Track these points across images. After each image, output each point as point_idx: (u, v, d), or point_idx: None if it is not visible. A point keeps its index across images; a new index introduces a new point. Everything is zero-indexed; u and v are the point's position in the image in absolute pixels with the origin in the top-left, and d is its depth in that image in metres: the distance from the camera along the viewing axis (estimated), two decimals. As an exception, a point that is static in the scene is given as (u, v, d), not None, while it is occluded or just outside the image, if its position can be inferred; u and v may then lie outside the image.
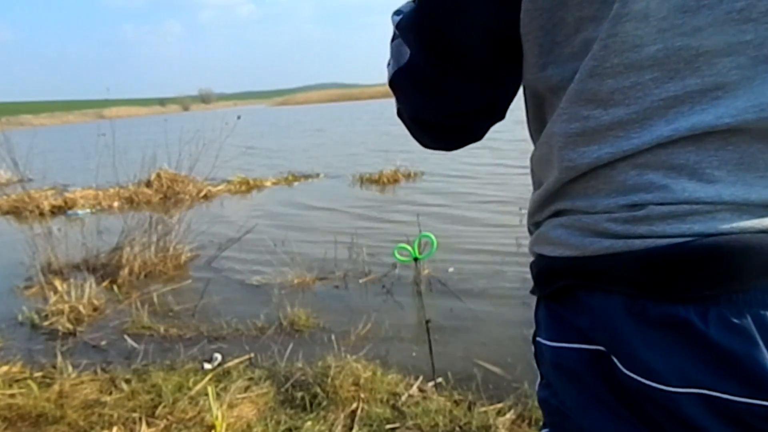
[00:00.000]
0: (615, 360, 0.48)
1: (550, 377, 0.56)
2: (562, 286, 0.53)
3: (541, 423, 1.91)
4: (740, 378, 0.42)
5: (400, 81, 0.61)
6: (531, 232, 0.60)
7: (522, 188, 6.39)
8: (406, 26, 0.59)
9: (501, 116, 0.63)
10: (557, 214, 0.54)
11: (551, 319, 0.56)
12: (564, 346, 0.53)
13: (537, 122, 0.58)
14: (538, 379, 0.60)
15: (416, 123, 0.64)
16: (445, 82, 0.57)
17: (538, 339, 0.58)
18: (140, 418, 2.11)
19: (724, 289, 0.43)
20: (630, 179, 0.46)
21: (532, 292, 0.59)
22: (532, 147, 0.59)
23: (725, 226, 0.43)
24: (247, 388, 2.30)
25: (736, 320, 0.42)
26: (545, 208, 0.55)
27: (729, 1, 0.42)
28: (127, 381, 2.45)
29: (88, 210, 7.44)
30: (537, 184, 0.59)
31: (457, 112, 0.60)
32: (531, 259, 0.60)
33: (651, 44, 0.44)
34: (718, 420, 0.43)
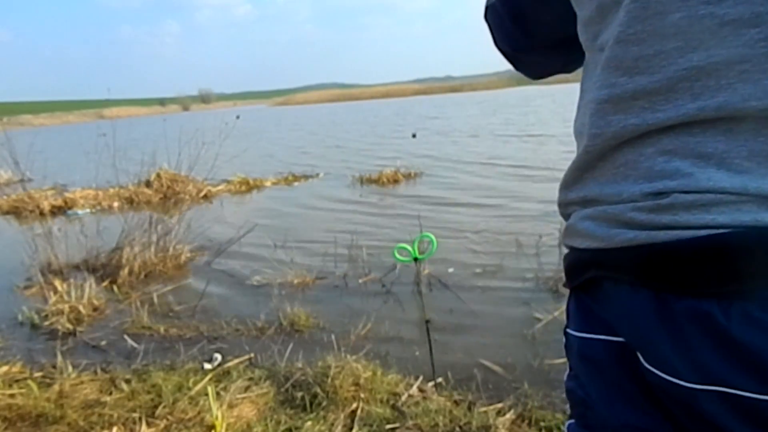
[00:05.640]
0: (638, 353, 0.48)
1: (577, 368, 0.57)
2: (590, 277, 0.53)
3: (542, 423, 1.91)
4: (761, 375, 0.40)
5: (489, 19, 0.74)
6: (563, 216, 0.60)
7: (523, 189, 6.39)
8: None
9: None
10: (585, 204, 0.53)
11: (580, 310, 0.56)
12: (591, 337, 0.54)
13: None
14: (567, 371, 0.60)
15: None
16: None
17: (567, 330, 0.58)
18: (140, 418, 2.11)
19: (749, 284, 0.41)
20: (657, 165, 0.46)
21: (565, 284, 0.59)
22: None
23: (750, 219, 0.41)
24: (247, 388, 2.30)
25: (758, 315, 0.40)
26: (574, 188, 0.55)
27: None
28: (127, 381, 2.45)
29: (88, 210, 7.43)
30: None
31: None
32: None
33: (674, 12, 0.43)
34: (738, 418, 0.42)
